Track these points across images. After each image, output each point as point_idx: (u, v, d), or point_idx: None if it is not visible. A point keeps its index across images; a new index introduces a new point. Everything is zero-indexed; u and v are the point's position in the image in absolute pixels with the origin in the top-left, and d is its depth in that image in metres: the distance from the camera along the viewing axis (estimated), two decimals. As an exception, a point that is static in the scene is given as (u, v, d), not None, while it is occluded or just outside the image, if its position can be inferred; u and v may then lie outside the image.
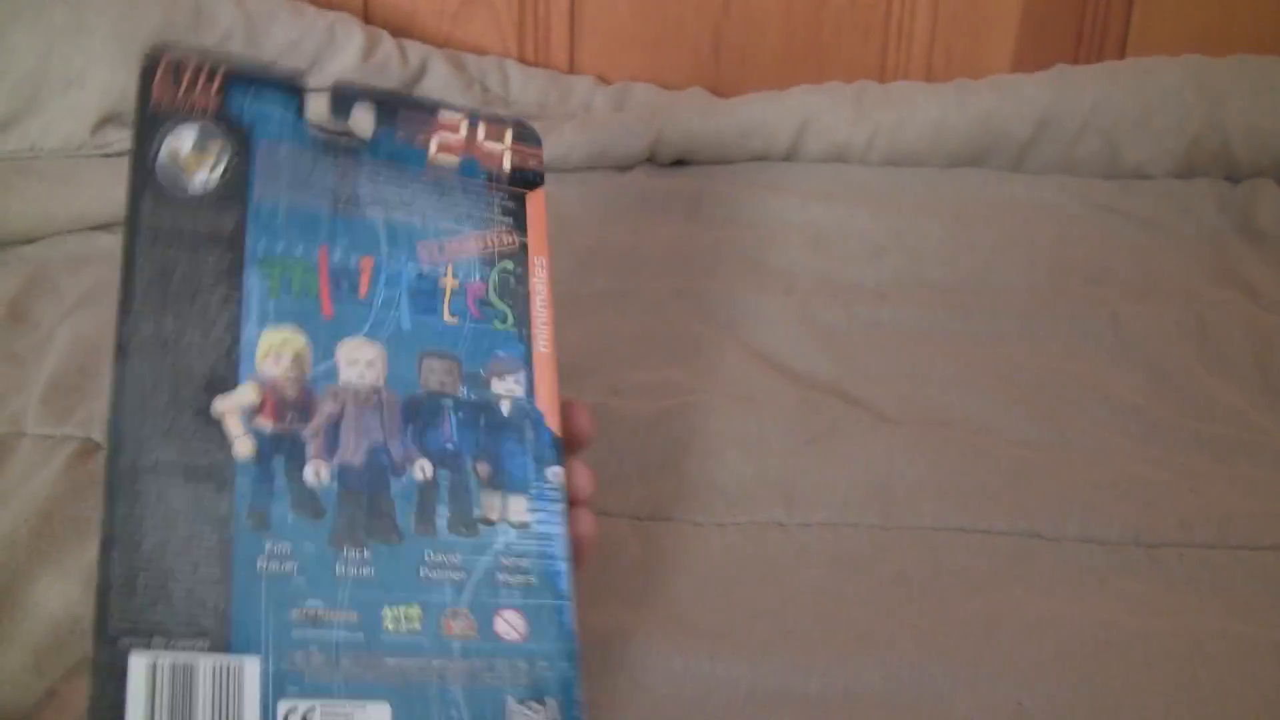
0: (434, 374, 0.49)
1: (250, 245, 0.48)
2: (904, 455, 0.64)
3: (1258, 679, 0.54)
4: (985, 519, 0.61)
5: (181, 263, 0.47)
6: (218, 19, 0.90)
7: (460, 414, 0.49)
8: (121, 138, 0.87)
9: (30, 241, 0.83)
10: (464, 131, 0.52)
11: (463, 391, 0.49)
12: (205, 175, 0.48)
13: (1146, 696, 0.54)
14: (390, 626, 0.45)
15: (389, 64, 0.94)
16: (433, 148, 0.51)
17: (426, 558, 0.46)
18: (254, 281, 0.48)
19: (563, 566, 0.48)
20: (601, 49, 1.02)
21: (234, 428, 0.46)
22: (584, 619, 0.48)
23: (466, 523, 0.47)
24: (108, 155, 0.87)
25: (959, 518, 0.61)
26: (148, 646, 0.43)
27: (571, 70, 1.02)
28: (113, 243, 0.83)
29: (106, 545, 0.43)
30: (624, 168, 0.91)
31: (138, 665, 0.43)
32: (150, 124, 0.48)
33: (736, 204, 0.85)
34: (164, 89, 0.49)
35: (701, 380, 0.69)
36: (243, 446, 0.46)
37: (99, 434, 0.65)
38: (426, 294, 0.50)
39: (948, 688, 0.54)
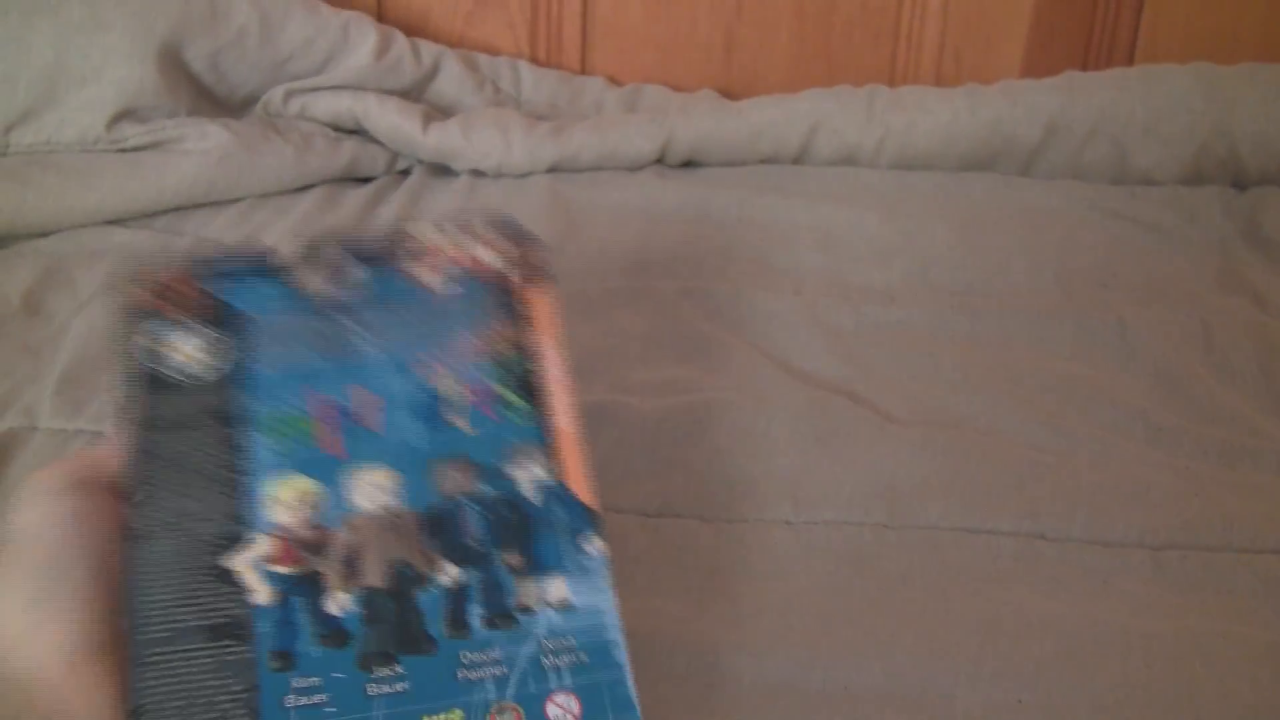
0: (449, 479, 0.48)
1: (252, 412, 0.49)
2: (910, 455, 0.64)
3: (1258, 681, 0.54)
4: (990, 519, 0.61)
5: (185, 445, 0.48)
6: (233, 16, 0.91)
7: (482, 510, 0.48)
8: (137, 132, 0.88)
9: (45, 235, 0.84)
10: (451, 249, 0.53)
11: (481, 488, 0.48)
12: (204, 365, 0.50)
13: (1147, 697, 0.54)
14: None
15: (402, 63, 0.95)
16: (423, 273, 0.52)
17: (463, 659, 0.45)
18: (257, 442, 0.49)
19: (615, 636, 0.46)
20: (614, 50, 1.02)
21: (251, 580, 0.46)
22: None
23: (503, 616, 0.46)
24: (123, 150, 0.88)
25: (964, 518, 0.61)
26: None
27: (584, 71, 1.03)
28: (128, 237, 0.84)
29: (135, 715, 0.44)
30: (634, 169, 0.91)
31: None
32: (139, 325, 0.51)
33: (746, 206, 0.86)
34: (151, 297, 0.51)
35: (710, 379, 0.70)
36: (261, 595, 0.46)
37: (110, 428, 0.66)
38: (428, 406, 0.50)
39: (950, 685, 0.54)
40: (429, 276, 0.52)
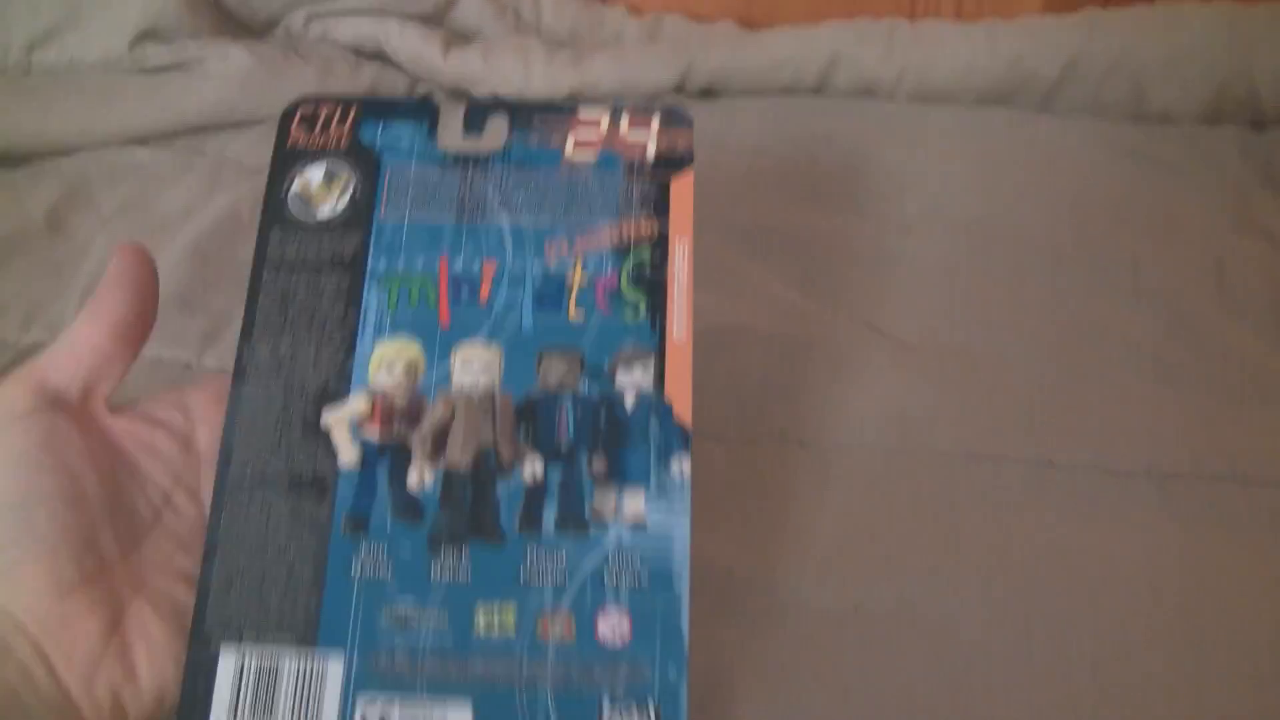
0: (553, 371, 0.48)
1: (371, 264, 0.49)
2: (923, 382, 0.65)
3: (1260, 612, 0.56)
4: (1000, 446, 0.62)
5: (302, 288, 0.49)
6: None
7: (578, 410, 0.48)
8: (160, 53, 0.88)
9: (68, 154, 0.84)
10: (604, 126, 0.52)
11: (583, 386, 0.48)
12: (332, 204, 0.50)
13: (1150, 624, 0.55)
14: (482, 628, 0.45)
15: (422, -11, 0.95)
16: (569, 147, 0.51)
17: (528, 558, 0.46)
18: (372, 298, 0.49)
19: (681, 565, 0.46)
20: (634, -20, 1.02)
21: (341, 438, 0.47)
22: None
23: (576, 521, 0.46)
24: (146, 71, 0.88)
25: (974, 444, 0.62)
26: (238, 644, 0.45)
27: (604, 0, 1.02)
28: (150, 156, 0.84)
29: (209, 551, 0.46)
30: (653, 97, 0.91)
31: (226, 662, 0.45)
32: (284, 163, 0.51)
33: (763, 135, 0.86)
34: (299, 132, 0.52)
35: (725, 305, 0.70)
36: (348, 455, 0.47)
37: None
38: (552, 292, 0.49)
39: (958, 609, 0.55)
40: (575, 151, 0.51)
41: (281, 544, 0.46)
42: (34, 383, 0.47)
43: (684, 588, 0.46)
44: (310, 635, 0.45)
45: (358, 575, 0.46)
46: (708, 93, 0.92)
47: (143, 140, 0.85)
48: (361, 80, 0.90)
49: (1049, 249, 0.77)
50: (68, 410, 0.47)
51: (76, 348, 0.48)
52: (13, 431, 0.45)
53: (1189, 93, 0.90)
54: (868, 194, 0.82)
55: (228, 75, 0.87)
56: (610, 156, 0.51)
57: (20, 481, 0.44)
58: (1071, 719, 0.52)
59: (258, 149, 0.85)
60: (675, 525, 0.46)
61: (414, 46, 0.91)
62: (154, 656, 0.46)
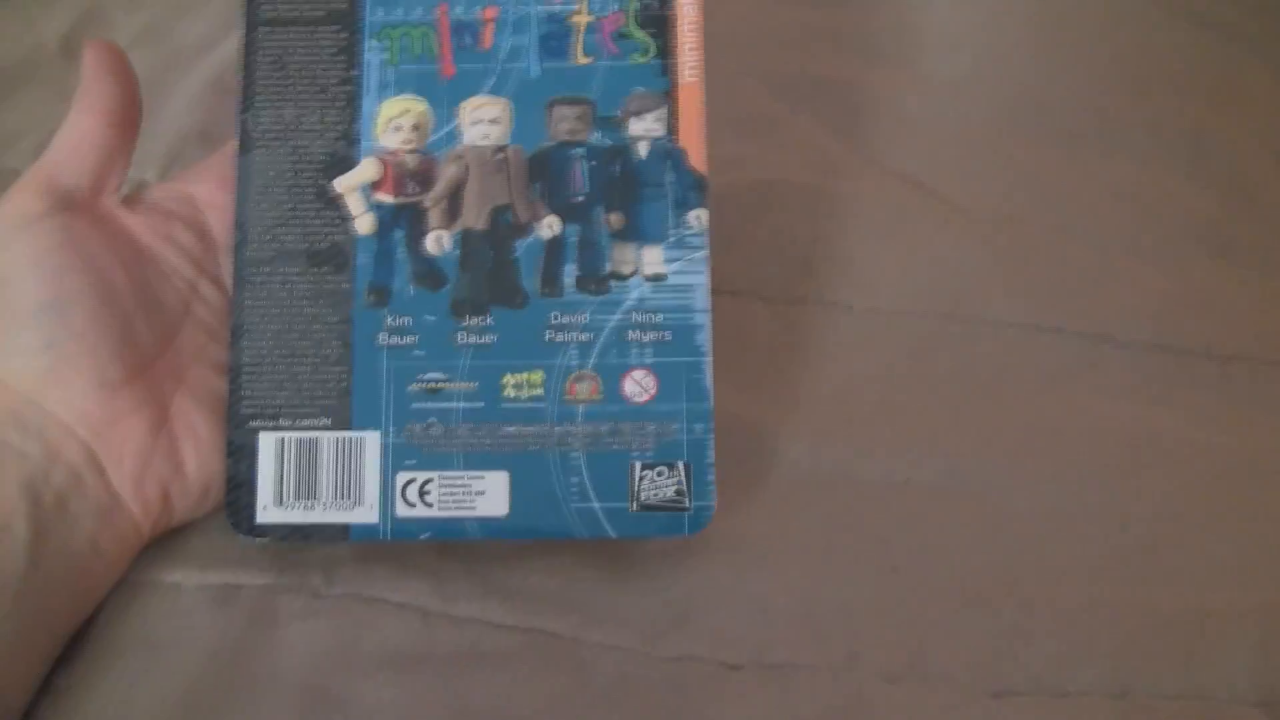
0: (564, 121, 0.46)
1: (368, 15, 0.48)
2: (976, 248, 0.62)
3: (1318, 500, 0.54)
4: (1055, 318, 0.59)
5: (298, 47, 0.48)
6: None
7: (592, 162, 0.46)
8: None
9: (84, -24, 0.81)
10: None
11: (595, 137, 0.46)
12: None
13: (1206, 508, 0.54)
14: (511, 393, 0.45)
15: None
16: None
17: (552, 320, 0.45)
18: (372, 53, 0.47)
19: (702, 319, 0.46)
20: None
21: (354, 205, 0.46)
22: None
23: (596, 279, 0.46)
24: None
25: (1028, 314, 0.59)
26: (276, 426, 0.45)
27: None
28: (168, -20, 0.81)
29: (236, 334, 0.46)
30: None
31: (266, 444, 0.45)
32: None
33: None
34: None
35: (773, 157, 0.67)
36: (362, 223, 0.46)
37: (153, 175, 0.64)
38: (557, 36, 0.47)
39: (1007, 484, 0.54)
40: None
41: (306, 320, 0.46)
42: (43, 184, 0.46)
43: (707, 342, 0.46)
44: (344, 413, 0.45)
45: (385, 346, 0.46)
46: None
47: (162, -34, 0.82)
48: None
49: (1107, 116, 0.74)
50: (82, 208, 0.46)
51: (77, 143, 0.47)
52: (31, 234, 0.44)
53: (1258, -44, 0.86)
54: (918, 50, 0.78)
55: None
56: None
57: (48, 283, 0.44)
58: (1124, 598, 0.51)
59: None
60: (695, 278, 0.46)
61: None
62: (200, 449, 0.47)
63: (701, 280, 0.46)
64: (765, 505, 0.52)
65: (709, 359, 0.46)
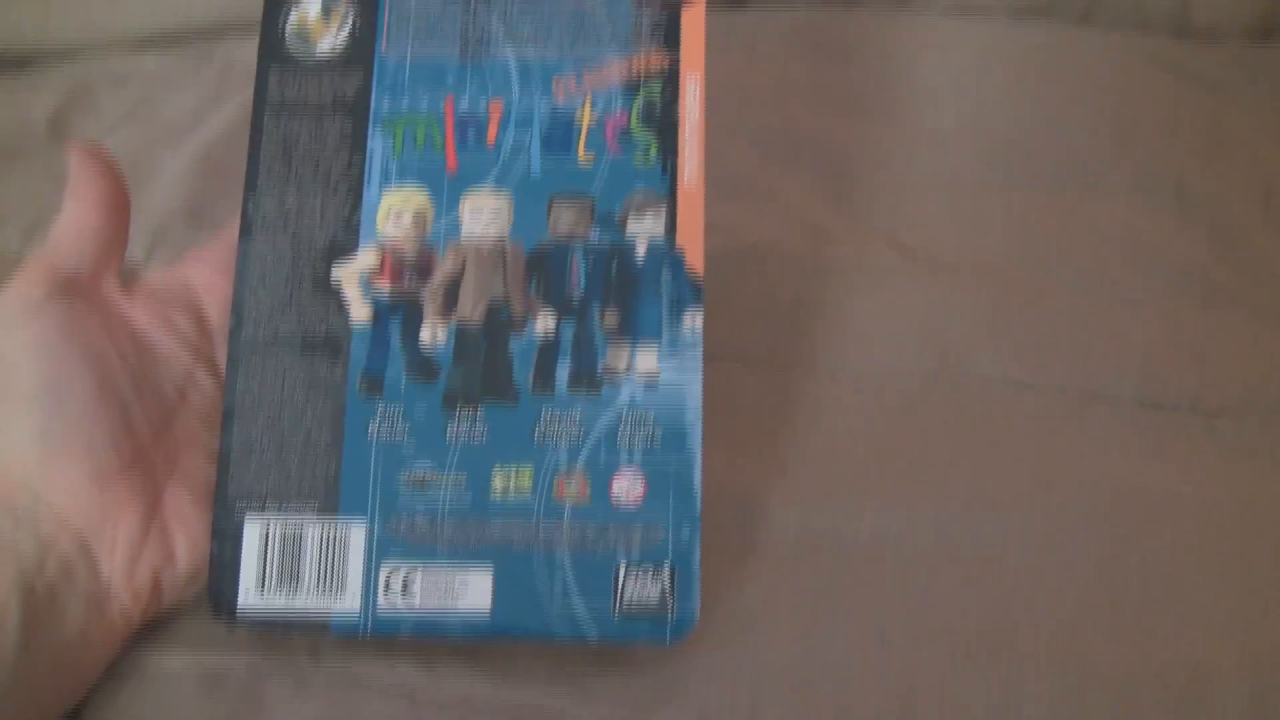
0: (564, 218, 0.47)
1: (375, 105, 0.48)
2: (961, 304, 0.62)
3: (1313, 548, 0.53)
4: (1042, 373, 0.59)
5: (305, 134, 0.48)
6: None
7: (590, 259, 0.47)
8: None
9: (72, 57, 0.81)
10: None
11: (594, 235, 0.47)
12: (331, 40, 0.48)
13: (1198, 561, 0.53)
14: (499, 489, 0.45)
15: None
16: None
17: (543, 416, 0.45)
18: (377, 142, 0.48)
19: (694, 421, 0.46)
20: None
21: (352, 293, 0.46)
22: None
23: (589, 377, 0.46)
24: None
25: (1015, 370, 0.59)
26: (262, 512, 0.45)
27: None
28: (156, 61, 0.81)
29: (227, 417, 0.46)
30: None
31: (251, 529, 0.46)
32: None
33: (794, 44, 0.83)
34: None
35: (755, 220, 0.68)
36: (359, 312, 0.47)
37: (140, 253, 0.65)
38: (560, 132, 0.48)
39: (998, 543, 0.53)
40: None
41: (298, 407, 0.46)
42: (44, 271, 0.46)
43: (696, 446, 0.46)
44: (331, 501, 0.45)
45: (375, 437, 0.46)
46: (737, 0, 0.88)
47: (149, 42, 0.82)
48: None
49: (1091, 166, 0.75)
50: (82, 294, 0.47)
51: (75, 230, 0.47)
52: (32, 321, 0.45)
53: (1236, 8, 0.87)
54: (901, 106, 0.79)
55: (237, -26, 0.84)
56: None
57: (47, 370, 0.44)
58: (1117, 653, 0.50)
59: (268, 54, 0.82)
60: (688, 381, 0.46)
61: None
62: (191, 536, 0.46)
63: (695, 382, 0.46)
64: (754, 572, 0.52)
65: (699, 462, 0.46)
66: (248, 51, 0.81)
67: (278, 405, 0.46)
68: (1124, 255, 0.68)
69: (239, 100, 0.76)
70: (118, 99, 0.78)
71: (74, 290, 0.46)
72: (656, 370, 0.46)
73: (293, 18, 0.49)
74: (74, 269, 0.47)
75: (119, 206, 0.49)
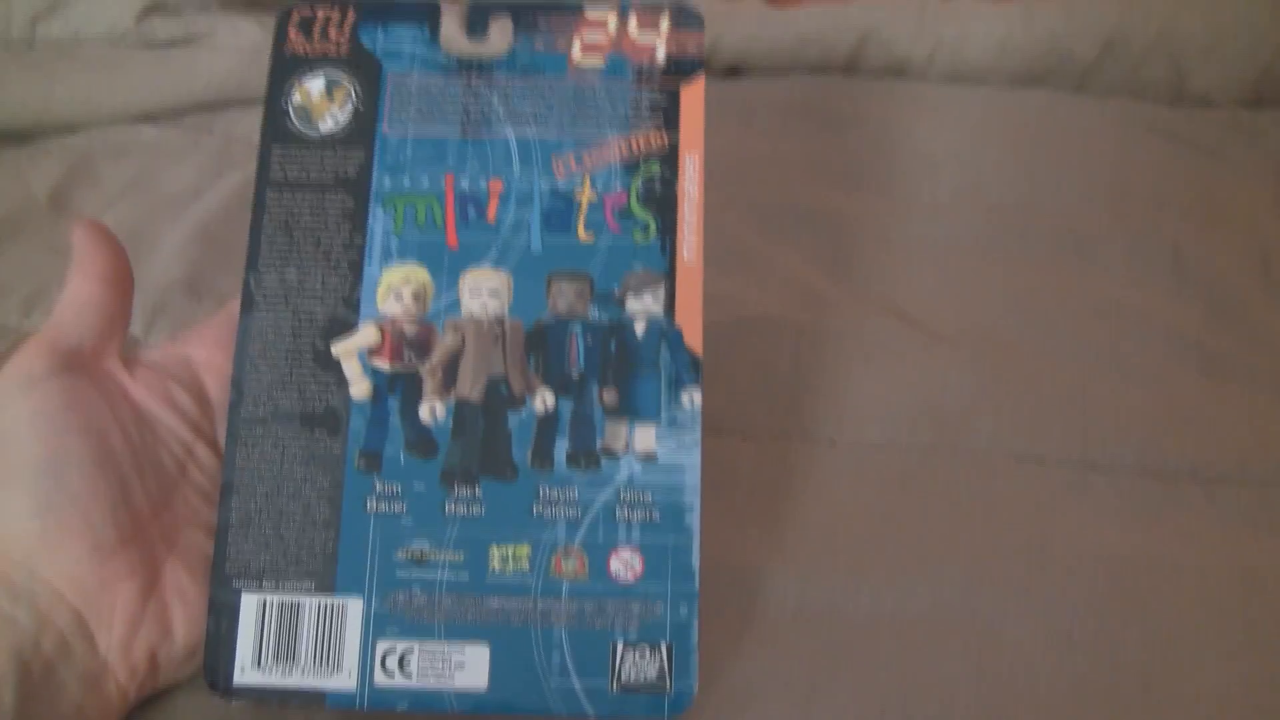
0: (563, 297, 0.47)
1: (376, 183, 0.48)
2: (958, 375, 0.62)
3: (1317, 619, 0.53)
4: (1040, 445, 0.59)
5: (307, 210, 0.48)
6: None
7: (588, 338, 0.47)
8: (167, 26, 0.85)
9: (73, 131, 0.82)
10: (612, 27, 0.50)
11: (593, 312, 0.47)
12: (334, 118, 0.49)
13: (1200, 632, 0.53)
14: (497, 566, 0.45)
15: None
16: (575, 50, 0.49)
17: (541, 494, 0.45)
18: (378, 220, 0.48)
19: (692, 500, 0.46)
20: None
21: (352, 370, 0.47)
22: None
23: (587, 455, 0.46)
24: (152, 45, 0.86)
25: (1013, 442, 0.59)
26: (259, 587, 0.45)
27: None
28: (156, 134, 0.82)
29: (226, 491, 0.46)
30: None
31: (248, 605, 0.45)
32: (282, 72, 0.50)
33: (791, 115, 0.83)
34: (296, 39, 0.50)
35: (753, 293, 0.68)
36: (359, 388, 0.47)
37: (139, 329, 0.65)
38: (560, 211, 0.48)
39: (997, 615, 0.53)
40: (583, 55, 0.49)
41: (296, 482, 0.46)
42: (47, 346, 0.46)
43: (695, 523, 0.45)
44: (328, 577, 0.45)
45: (373, 513, 0.45)
46: (733, 70, 0.89)
47: (149, 117, 0.83)
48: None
49: (1087, 234, 0.75)
50: (85, 370, 0.47)
51: (79, 305, 0.48)
52: (34, 395, 0.45)
53: (1231, 74, 0.87)
54: (898, 176, 0.79)
55: (238, 49, 0.84)
56: (618, 60, 0.49)
57: (48, 445, 0.44)
58: (1118, 729, 0.50)
59: (268, 126, 0.83)
60: (686, 459, 0.46)
61: (429, 21, 0.89)
62: (188, 613, 0.46)
63: (693, 461, 0.46)
64: (752, 646, 0.51)
65: (697, 540, 0.45)
66: (248, 124, 0.82)
67: (276, 480, 0.46)
68: (1121, 324, 0.68)
69: (239, 173, 0.76)
70: (118, 171, 0.78)
71: (76, 365, 0.46)
72: (654, 449, 0.46)
73: (296, 96, 0.49)
74: (76, 344, 0.47)
75: (122, 282, 0.49)
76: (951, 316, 0.67)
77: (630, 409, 0.47)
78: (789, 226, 0.74)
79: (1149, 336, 0.67)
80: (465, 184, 0.48)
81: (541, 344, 0.47)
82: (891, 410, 0.61)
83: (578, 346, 0.47)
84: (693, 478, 0.46)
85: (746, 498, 0.57)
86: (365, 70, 0.49)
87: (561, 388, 0.47)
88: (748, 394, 0.62)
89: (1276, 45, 0.86)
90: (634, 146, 0.49)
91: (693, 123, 0.49)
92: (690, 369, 0.47)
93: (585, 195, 0.48)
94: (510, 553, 0.45)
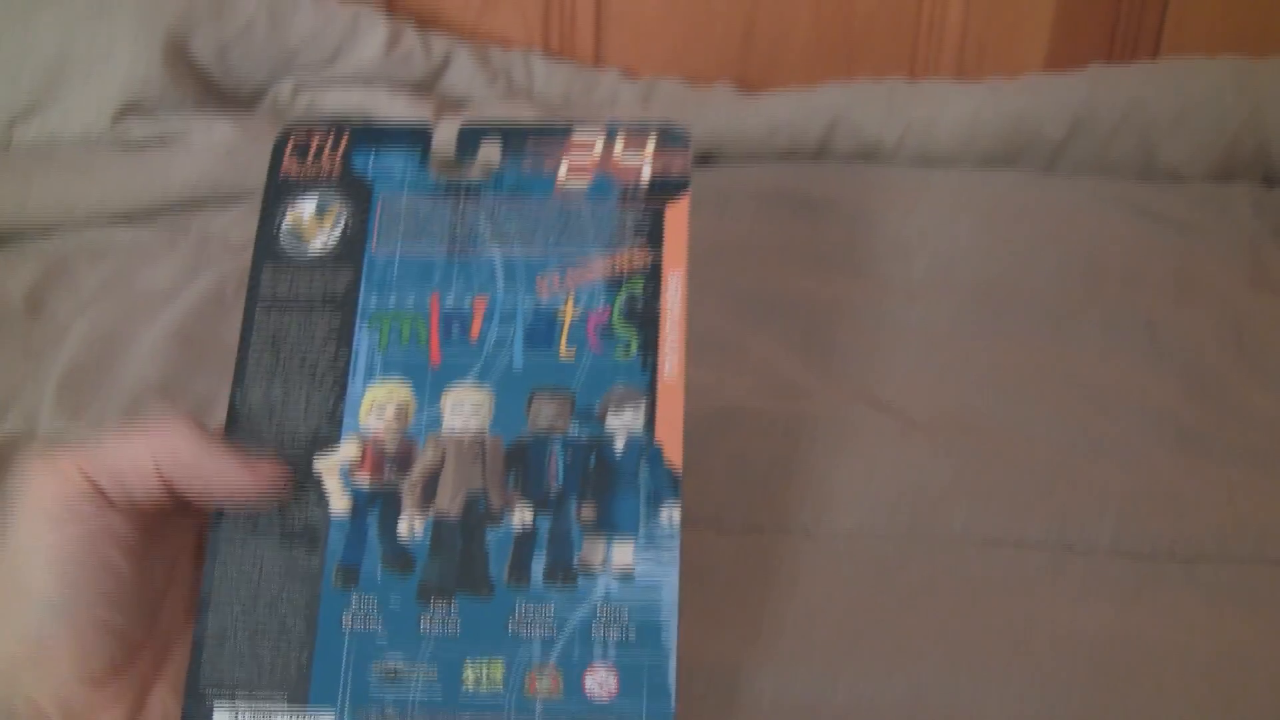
0: (543, 413, 0.47)
1: (363, 302, 0.48)
2: (933, 461, 0.63)
3: (1298, 699, 0.53)
4: (1016, 529, 0.59)
5: (294, 329, 0.48)
6: (240, 6, 0.90)
7: (568, 454, 0.46)
8: (143, 126, 0.86)
9: (48, 232, 0.82)
10: (599, 149, 0.50)
11: (573, 429, 0.46)
12: (324, 238, 0.49)
13: (1181, 711, 0.52)
14: (470, 683, 0.44)
15: (412, 56, 0.93)
16: (562, 172, 0.50)
17: (517, 611, 0.45)
18: (363, 338, 0.48)
19: (669, 618, 0.45)
20: (628, 41, 1.00)
21: (332, 485, 0.47)
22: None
23: (565, 572, 0.45)
24: (129, 145, 0.86)
25: (989, 527, 0.59)
26: (231, 699, 0.45)
27: (598, 63, 1.01)
28: (132, 234, 0.82)
29: (203, 604, 0.46)
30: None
31: (221, 716, 0.45)
32: (276, 196, 0.50)
33: (763, 202, 0.84)
34: (291, 162, 0.50)
35: (726, 382, 0.68)
36: (339, 503, 0.47)
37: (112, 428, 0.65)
38: (543, 329, 0.48)
39: (977, 702, 0.53)
40: (569, 176, 0.49)
41: (273, 596, 0.46)
42: (80, 478, 0.44)
43: (672, 641, 0.45)
44: (302, 692, 0.45)
45: (349, 628, 0.45)
46: (705, 158, 0.90)
47: (125, 218, 0.83)
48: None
49: (1061, 312, 0.75)
50: (111, 504, 0.45)
51: (130, 467, 0.45)
52: (58, 526, 0.44)
53: (1199, 149, 0.88)
54: (871, 259, 0.80)
55: (212, 148, 0.85)
56: (604, 181, 0.49)
57: (63, 579, 0.43)
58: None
59: (243, 225, 0.83)
60: (664, 576, 0.45)
61: (403, 114, 0.89)
62: None
63: (671, 579, 0.45)
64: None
65: (674, 658, 0.45)
66: (224, 222, 0.83)
67: (253, 593, 0.46)
68: (1097, 401, 0.68)
69: (215, 272, 0.76)
70: (94, 272, 0.78)
71: (103, 499, 0.45)
72: (632, 565, 0.45)
73: (288, 218, 0.49)
74: (107, 491, 0.45)
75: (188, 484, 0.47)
76: (927, 400, 0.68)
77: (608, 525, 0.46)
78: (764, 314, 0.74)
79: (1125, 413, 0.67)
80: (450, 302, 0.48)
81: (521, 460, 0.46)
82: (867, 499, 0.61)
83: (557, 462, 0.46)
84: (670, 595, 0.45)
85: (722, 592, 0.56)
86: (356, 193, 0.50)
87: (540, 504, 0.46)
88: (723, 486, 0.61)
89: (1243, 119, 0.87)
90: (618, 265, 0.49)
91: (676, 240, 0.49)
92: (669, 485, 0.46)
93: (568, 312, 0.48)
94: (484, 670, 0.44)
